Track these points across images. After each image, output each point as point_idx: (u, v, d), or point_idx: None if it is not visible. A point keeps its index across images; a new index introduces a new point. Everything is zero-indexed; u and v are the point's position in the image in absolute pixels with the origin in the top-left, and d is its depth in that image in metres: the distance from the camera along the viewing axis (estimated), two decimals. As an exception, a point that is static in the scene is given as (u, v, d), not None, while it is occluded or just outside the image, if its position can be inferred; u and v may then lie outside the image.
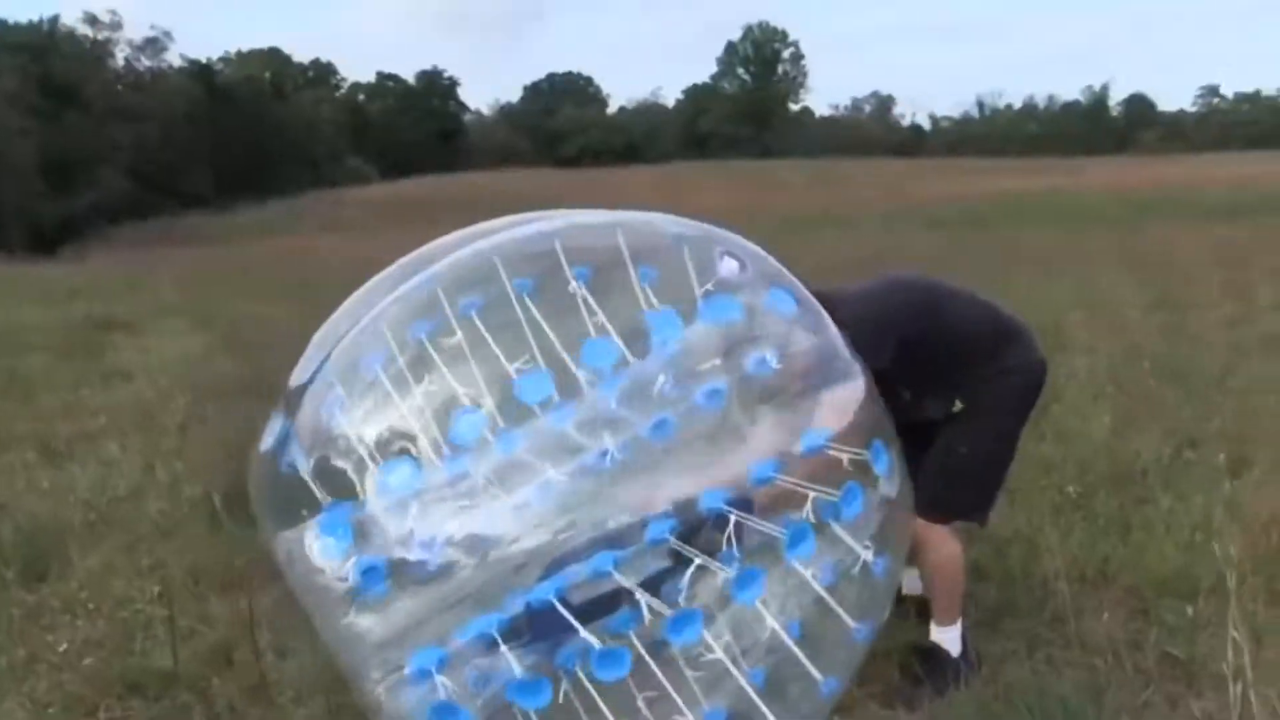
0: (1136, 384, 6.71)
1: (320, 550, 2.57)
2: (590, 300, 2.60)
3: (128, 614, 4.28)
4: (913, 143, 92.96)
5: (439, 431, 2.53)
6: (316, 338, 2.99)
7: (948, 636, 3.42)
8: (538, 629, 2.49)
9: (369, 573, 2.55)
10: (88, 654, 3.96)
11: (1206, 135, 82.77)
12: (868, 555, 2.67)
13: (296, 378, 2.91)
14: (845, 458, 2.66)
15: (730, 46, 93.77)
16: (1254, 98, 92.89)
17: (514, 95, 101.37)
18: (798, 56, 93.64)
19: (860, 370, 2.89)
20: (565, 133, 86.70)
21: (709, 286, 2.69)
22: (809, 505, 2.57)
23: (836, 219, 31.95)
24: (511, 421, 2.52)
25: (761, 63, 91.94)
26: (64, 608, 4.37)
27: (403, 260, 3.04)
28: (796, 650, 2.59)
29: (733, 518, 2.49)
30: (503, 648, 2.46)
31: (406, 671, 2.56)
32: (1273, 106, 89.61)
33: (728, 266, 2.81)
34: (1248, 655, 2.79)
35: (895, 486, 2.86)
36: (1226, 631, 3.52)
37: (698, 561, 2.49)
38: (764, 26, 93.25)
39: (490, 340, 2.59)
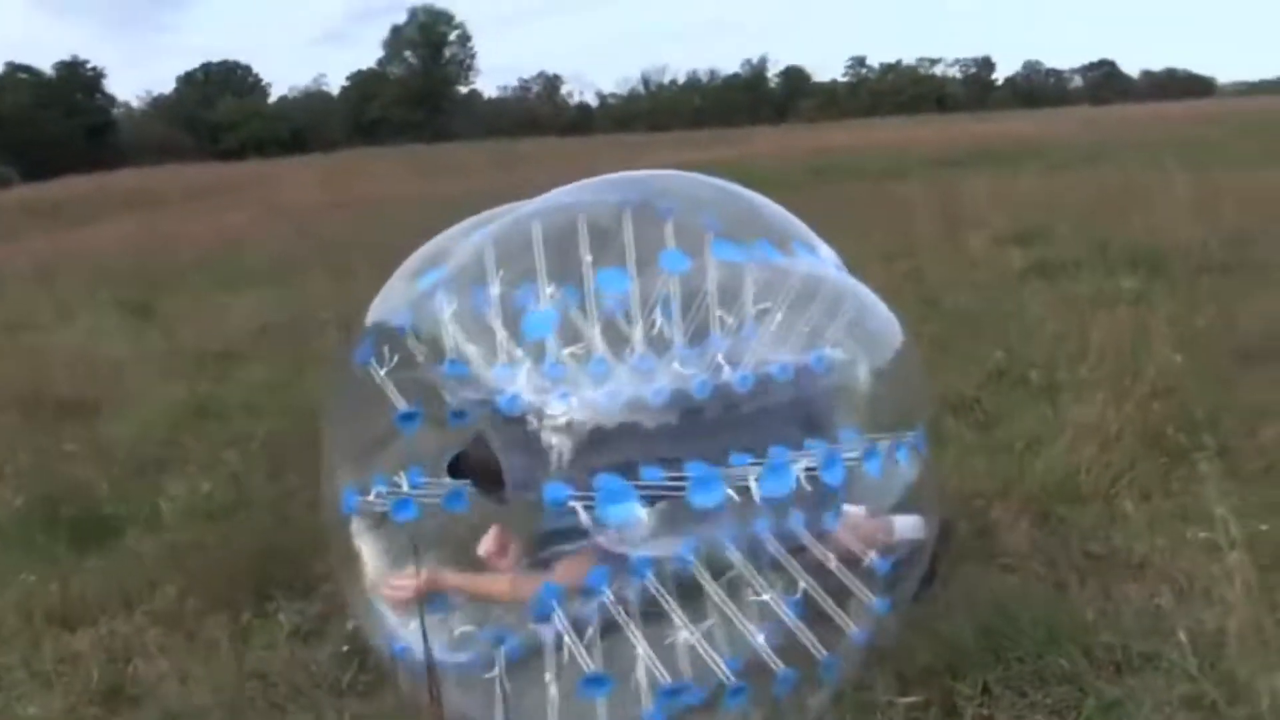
0: (920, 325, 7.10)
1: None
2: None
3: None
4: (582, 121, 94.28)
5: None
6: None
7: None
8: None
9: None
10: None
11: (858, 103, 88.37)
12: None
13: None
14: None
15: (396, 31, 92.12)
16: (897, 67, 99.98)
17: (167, 86, 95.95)
18: (465, 38, 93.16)
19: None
20: (226, 124, 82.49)
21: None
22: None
23: (535, 194, 32.01)
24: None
25: (429, 46, 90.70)
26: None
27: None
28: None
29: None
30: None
31: None
32: (913, 75, 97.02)
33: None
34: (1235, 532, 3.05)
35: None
36: (1127, 527, 3.89)
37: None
38: (429, 9, 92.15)
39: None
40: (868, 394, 3.01)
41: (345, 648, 3.63)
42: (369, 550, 3.24)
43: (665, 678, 2.69)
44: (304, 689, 3.42)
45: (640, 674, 2.72)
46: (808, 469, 2.75)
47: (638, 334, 2.84)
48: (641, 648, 2.72)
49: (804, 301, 2.96)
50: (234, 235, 22.03)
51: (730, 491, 2.68)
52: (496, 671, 2.99)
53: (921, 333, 6.85)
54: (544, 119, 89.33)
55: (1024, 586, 3.42)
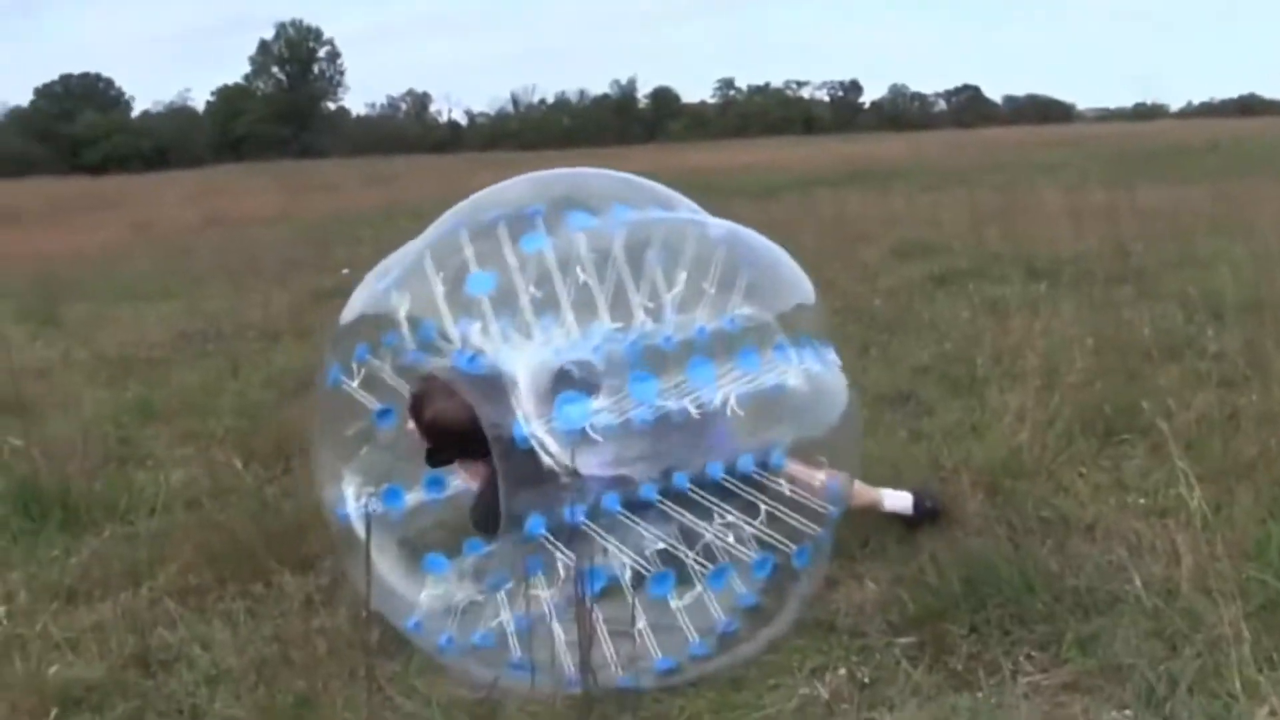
0: (841, 331, 7.54)
1: None
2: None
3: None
4: (452, 139, 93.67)
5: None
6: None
7: (894, 504, 4.07)
8: None
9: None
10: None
11: (726, 124, 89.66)
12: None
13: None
14: None
15: (264, 45, 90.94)
16: (764, 90, 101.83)
17: (24, 98, 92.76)
18: (334, 55, 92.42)
19: None
20: (87, 138, 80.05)
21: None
22: None
23: (409, 213, 31.82)
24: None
25: (297, 62, 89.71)
26: None
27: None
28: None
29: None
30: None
31: None
32: (781, 98, 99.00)
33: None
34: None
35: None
36: (1072, 496, 4.33)
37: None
38: (298, 25, 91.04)
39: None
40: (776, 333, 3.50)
41: (363, 613, 3.77)
42: (377, 541, 3.39)
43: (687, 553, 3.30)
44: (332, 650, 3.55)
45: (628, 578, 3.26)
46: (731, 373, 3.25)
47: (565, 302, 3.28)
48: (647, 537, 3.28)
49: (705, 261, 3.42)
50: (114, 250, 21.59)
51: (665, 403, 3.14)
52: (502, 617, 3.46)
53: (848, 335, 7.34)
54: (413, 137, 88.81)
55: (991, 546, 3.80)
